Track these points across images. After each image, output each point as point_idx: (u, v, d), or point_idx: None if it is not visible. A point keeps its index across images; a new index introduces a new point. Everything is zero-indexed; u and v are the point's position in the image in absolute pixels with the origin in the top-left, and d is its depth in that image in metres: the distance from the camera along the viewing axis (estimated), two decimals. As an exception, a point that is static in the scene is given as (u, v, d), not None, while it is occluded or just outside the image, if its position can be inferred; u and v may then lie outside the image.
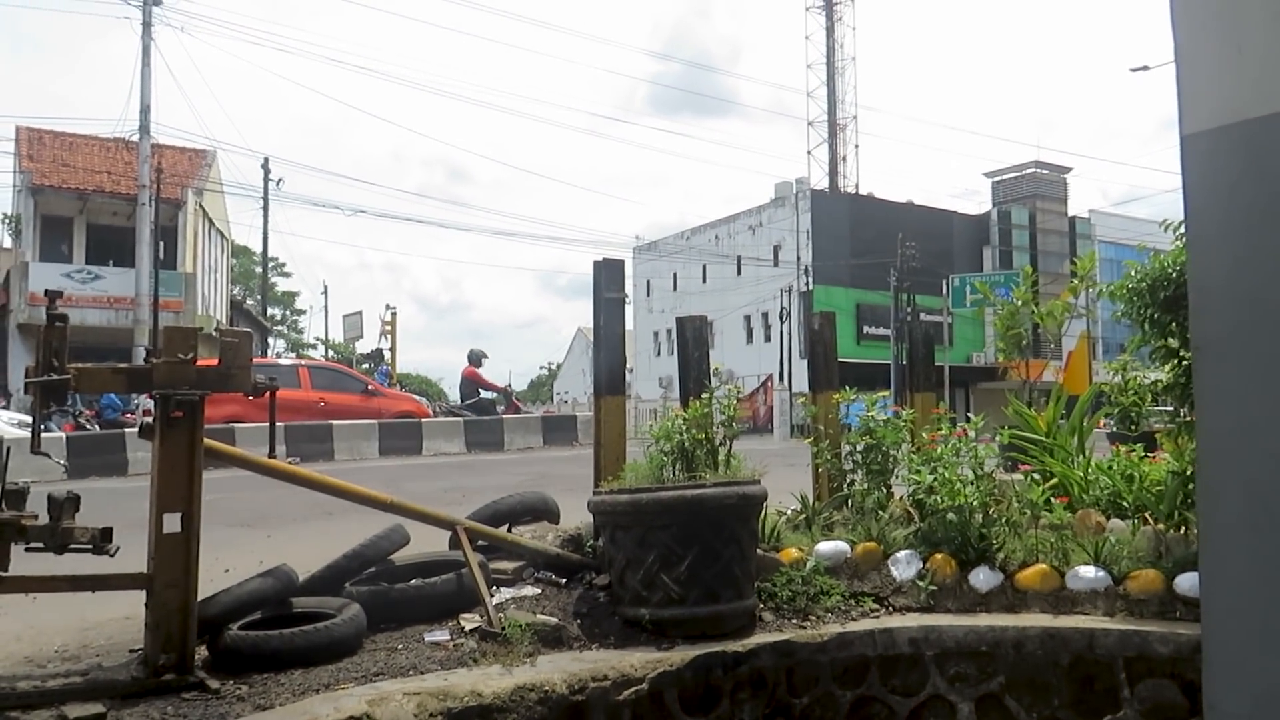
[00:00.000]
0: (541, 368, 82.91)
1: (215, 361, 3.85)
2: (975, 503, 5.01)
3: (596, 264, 5.15)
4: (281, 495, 9.30)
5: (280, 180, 34.85)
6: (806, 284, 44.11)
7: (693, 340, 5.44)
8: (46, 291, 3.70)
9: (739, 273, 47.90)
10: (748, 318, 47.86)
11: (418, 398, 21.63)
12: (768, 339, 46.01)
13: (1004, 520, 5.07)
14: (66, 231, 26.87)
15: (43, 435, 13.25)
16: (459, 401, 20.52)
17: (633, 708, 3.98)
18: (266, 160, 34.84)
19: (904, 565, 5.01)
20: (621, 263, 5.27)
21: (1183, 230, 4.47)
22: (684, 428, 4.78)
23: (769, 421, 35.69)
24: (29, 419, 17.07)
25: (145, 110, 23.55)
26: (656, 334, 54.92)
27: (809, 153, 50.65)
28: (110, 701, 3.50)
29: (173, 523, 3.73)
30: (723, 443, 4.88)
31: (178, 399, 3.69)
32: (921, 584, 4.90)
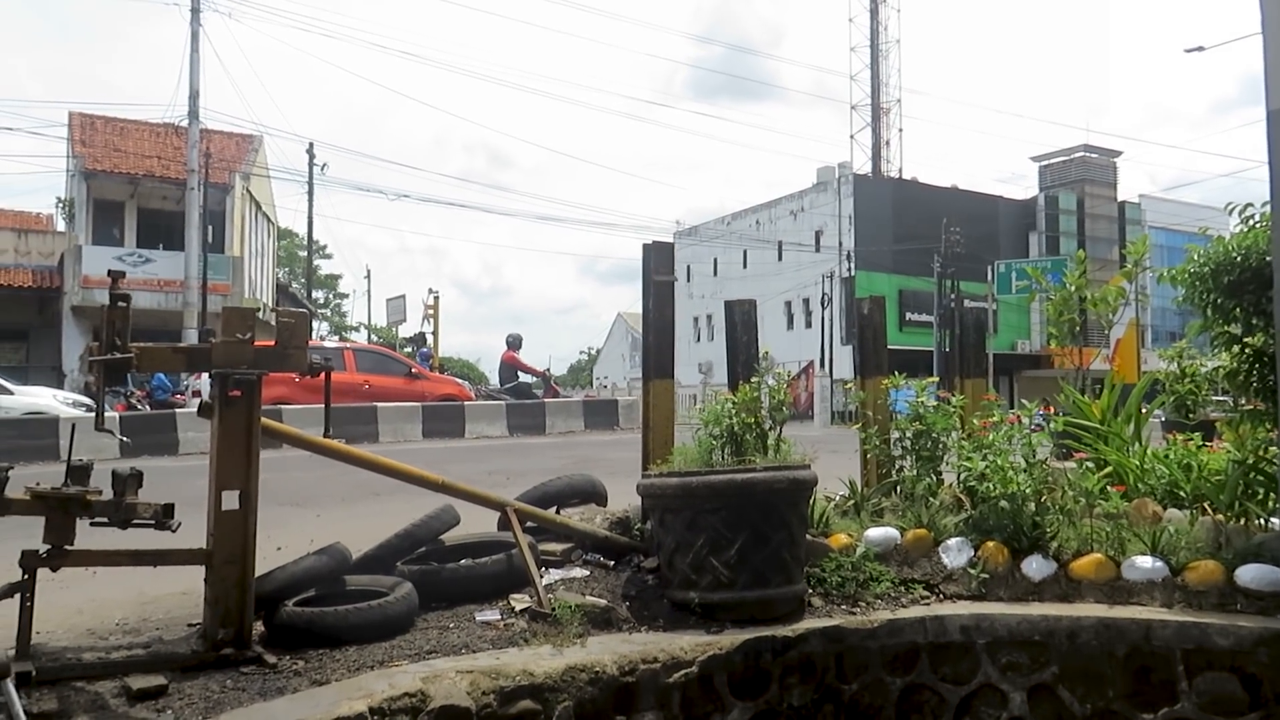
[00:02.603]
0: (581, 353, 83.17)
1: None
2: (1028, 490, 4.94)
3: (646, 247, 5.13)
4: (329, 475, 9.43)
5: (325, 165, 35.23)
6: (848, 269, 43.76)
7: (741, 324, 5.41)
8: (110, 272, 3.77)
9: (780, 258, 47.58)
10: (788, 303, 47.55)
11: (460, 381, 21.78)
12: (808, 325, 45.72)
13: (1058, 508, 4.99)
14: (118, 215, 27.34)
15: (93, 415, 13.45)
16: (498, 385, 20.65)
17: (682, 690, 3.99)
18: (311, 145, 35.19)
19: (955, 553, 4.96)
20: (671, 246, 5.24)
21: (1250, 213, 4.36)
22: (733, 412, 4.76)
23: (809, 408, 35.49)
24: (83, 399, 17.50)
25: (194, 96, 23.85)
26: (696, 319, 54.78)
27: (852, 137, 50.21)
28: (171, 673, 3.57)
29: (231, 500, 3.79)
30: (772, 427, 4.86)
31: (236, 378, 3.74)
32: (973, 572, 4.84)
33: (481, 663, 3.74)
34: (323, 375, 4.08)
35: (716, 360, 50.48)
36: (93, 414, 14.37)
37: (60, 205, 28.43)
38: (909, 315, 43.74)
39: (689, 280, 55.75)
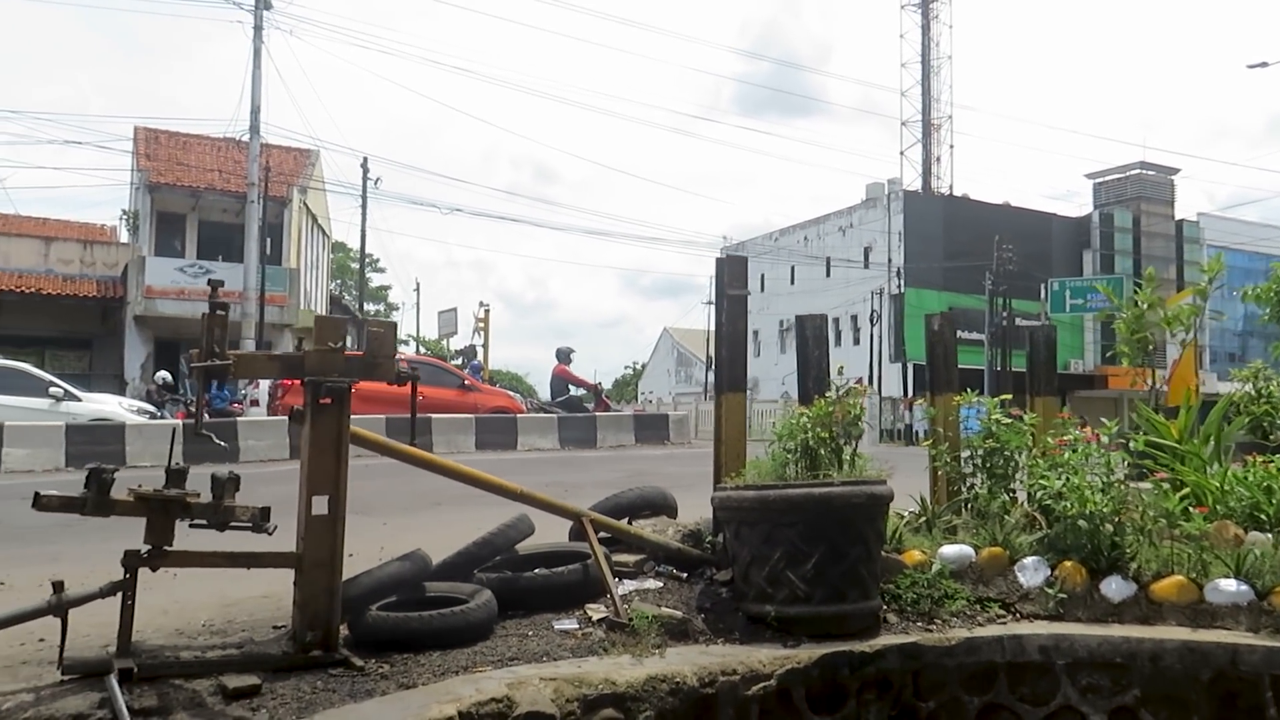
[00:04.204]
0: (626, 367, 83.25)
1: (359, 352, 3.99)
2: (1106, 510, 4.87)
3: (719, 260, 5.17)
4: (390, 485, 9.57)
5: (378, 179, 35.75)
6: (898, 286, 43.42)
7: (813, 339, 5.42)
8: (209, 281, 3.89)
9: (828, 274, 47.33)
10: (836, 320, 47.21)
11: (512, 393, 21.95)
12: (856, 342, 45.38)
13: (1137, 529, 4.92)
14: (179, 227, 27.99)
15: (158, 423, 13.81)
16: (549, 398, 20.78)
17: (760, 703, 3.99)
18: (365, 160, 35.74)
19: (1031, 572, 4.91)
20: (744, 259, 5.28)
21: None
22: (808, 426, 4.77)
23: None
24: (147, 406, 17.84)
25: (255, 111, 24.39)
26: (742, 335, 54.58)
27: (902, 153, 49.88)
28: (264, 673, 3.65)
29: (320, 505, 3.88)
30: (847, 442, 4.85)
31: (327, 386, 3.83)
32: (1050, 591, 4.79)
33: (564, 670, 3.78)
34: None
35: (762, 377, 50.45)
36: (156, 421, 14.64)
37: (125, 217, 29.20)
38: (959, 333, 43.17)
39: (735, 296, 55.59)
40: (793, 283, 50.56)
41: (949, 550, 4.98)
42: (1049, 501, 5.11)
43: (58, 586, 3.51)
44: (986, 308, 39.31)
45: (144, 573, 3.75)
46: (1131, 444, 5.22)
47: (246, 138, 24.78)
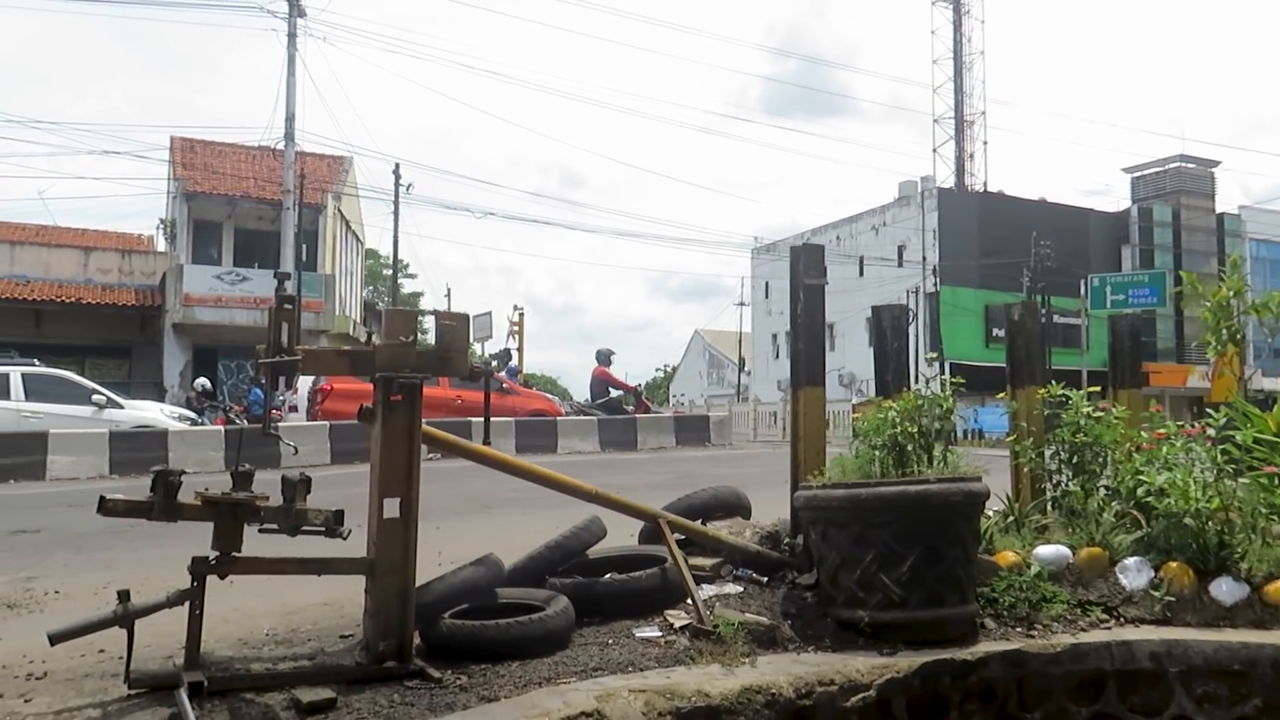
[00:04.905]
0: (656, 370, 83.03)
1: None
2: (1213, 506, 4.59)
3: (794, 249, 4.93)
4: (438, 489, 9.38)
5: (410, 185, 35.79)
6: (933, 285, 42.88)
7: (891, 330, 5.17)
8: (275, 274, 3.70)
9: (861, 273, 46.81)
10: (869, 320, 46.77)
11: (550, 396, 21.79)
12: (892, 341, 44.86)
13: (1247, 527, 4.63)
14: (216, 235, 28.13)
15: (199, 429, 13.71)
16: (588, 400, 20.58)
17: (859, 714, 3.75)
18: (397, 167, 35.77)
19: (1134, 573, 4.63)
20: (821, 248, 5.03)
21: None
22: (896, 420, 4.51)
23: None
24: (188, 413, 17.83)
25: (290, 119, 24.44)
26: (775, 336, 54.24)
27: (935, 150, 49.30)
28: (337, 686, 3.46)
29: (392, 508, 3.68)
30: (937, 437, 4.59)
31: (400, 382, 3.64)
32: (1156, 594, 4.50)
33: (653, 682, 3.56)
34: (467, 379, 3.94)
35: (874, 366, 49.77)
36: (198, 427, 14.57)
37: (162, 226, 29.37)
38: (995, 331, 42.59)
39: (767, 297, 55.27)
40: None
41: (1045, 551, 4.71)
42: (1149, 499, 4.82)
43: (123, 596, 3.34)
44: (1024, 305, 38.67)
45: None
46: (1239, 437, 4.90)
47: (281, 145, 24.83)
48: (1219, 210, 49.22)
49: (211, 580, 3.83)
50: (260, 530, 3.50)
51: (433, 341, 3.84)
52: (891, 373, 5.11)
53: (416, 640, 3.88)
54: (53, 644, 3.35)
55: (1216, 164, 50.13)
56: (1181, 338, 45.45)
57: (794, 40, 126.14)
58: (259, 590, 4.95)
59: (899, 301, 42.71)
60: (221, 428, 16.25)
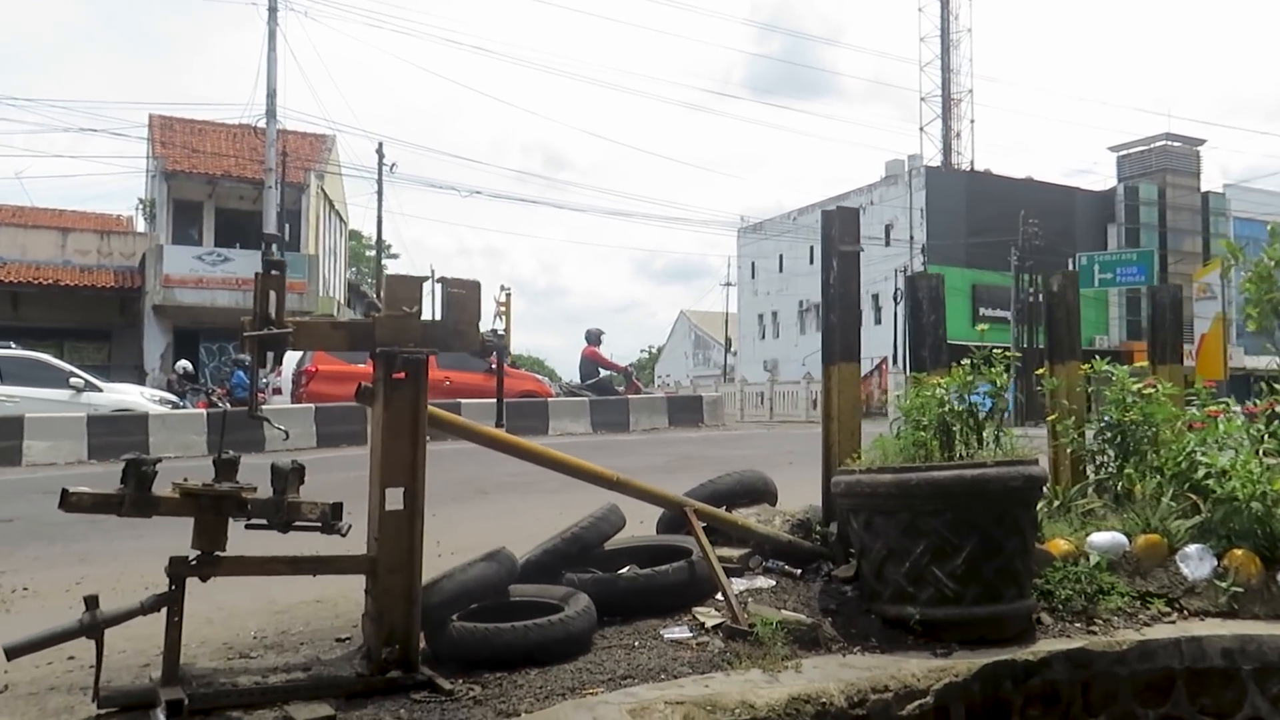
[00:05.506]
0: (641, 351, 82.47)
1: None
2: (1281, 490, 4.25)
3: (827, 213, 4.53)
4: (429, 473, 9.01)
5: (394, 165, 35.08)
6: (921, 264, 42.60)
7: (928, 303, 4.79)
8: (263, 235, 3.28)
9: (849, 253, 46.46)
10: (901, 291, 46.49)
11: (540, 377, 21.37)
12: (878, 321, 44.53)
13: (1318, 511, 4.29)
14: (196, 215, 27.42)
15: (181, 413, 13.13)
16: (579, 381, 20.18)
17: (916, 724, 3.38)
18: (380, 146, 35.06)
19: (1196, 562, 4.29)
20: (856, 212, 4.63)
21: None
22: (944, 398, 4.13)
23: (883, 405, 34.51)
24: (170, 396, 17.30)
25: (272, 95, 23.75)
26: (761, 316, 53.95)
27: (922, 129, 48.96)
28: (336, 700, 3.07)
29: (395, 498, 3.28)
30: (990, 417, 4.22)
31: (403, 357, 3.22)
32: (1221, 584, 4.17)
33: (690, 691, 3.18)
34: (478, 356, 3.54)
35: (782, 359, 49.71)
36: (179, 411, 14.03)
37: (141, 206, 28.66)
38: (982, 310, 42.41)
39: (753, 277, 54.92)
40: (811, 262, 49.63)
41: (1101, 539, 4.35)
42: (1208, 481, 4.47)
43: (90, 603, 2.92)
44: (1013, 284, 38.56)
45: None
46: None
47: (262, 123, 24.16)
48: (1204, 189, 49.17)
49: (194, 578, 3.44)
50: (247, 526, 3.09)
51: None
52: (928, 348, 4.73)
53: (422, 645, 3.49)
54: (9, 658, 2.94)
55: (1202, 142, 50.08)
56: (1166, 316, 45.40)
57: (780, 16, 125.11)
58: (245, 586, 4.50)
59: (885, 281, 42.57)
60: (204, 411, 15.75)
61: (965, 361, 4.26)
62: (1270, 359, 6.76)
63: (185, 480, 3.04)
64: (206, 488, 2.99)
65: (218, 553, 3.03)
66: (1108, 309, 45.54)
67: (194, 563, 3.00)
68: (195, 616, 4.15)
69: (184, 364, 20.78)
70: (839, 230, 4.44)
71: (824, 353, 4.55)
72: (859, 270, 4.48)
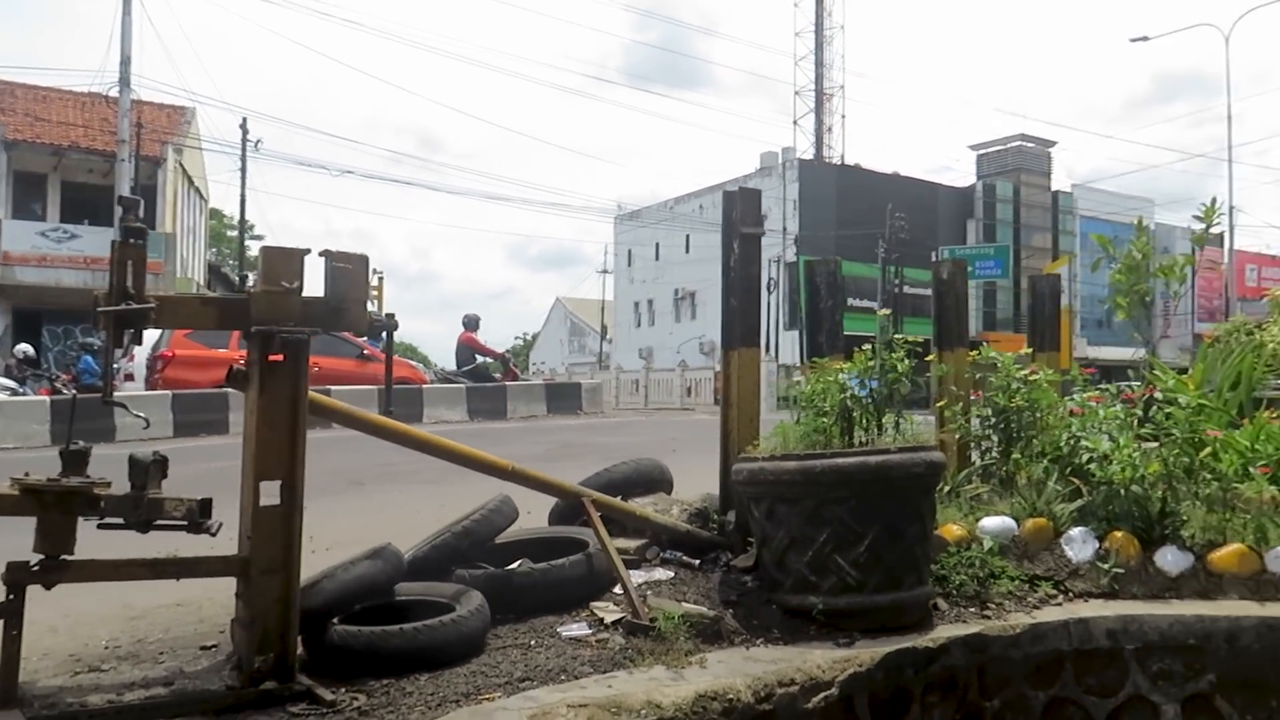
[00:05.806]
0: (516, 338, 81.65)
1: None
2: (1160, 472, 4.39)
3: (729, 194, 4.43)
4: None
5: (259, 141, 33.50)
6: (793, 254, 43.51)
7: (825, 287, 4.75)
8: (120, 198, 2.92)
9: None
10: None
11: (414, 363, 20.76)
12: (753, 309, 45.38)
13: (1193, 494, 4.45)
14: (40, 189, 25.47)
15: (21, 400, 12.10)
16: (455, 368, 19.70)
17: (822, 715, 3.31)
18: (245, 120, 33.36)
19: (1079, 544, 4.38)
20: (758, 193, 4.54)
21: None
22: (845, 385, 4.08)
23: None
24: (8, 383, 15.97)
25: (125, 62, 22.14)
26: (637, 304, 54.16)
27: (795, 122, 50.05)
28: (203, 718, 2.77)
29: (271, 493, 2.99)
30: (889, 403, 4.19)
31: (281, 338, 2.94)
32: (1103, 566, 4.27)
33: (593, 692, 3.02)
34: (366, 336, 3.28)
35: (657, 346, 49.98)
36: (19, 398, 12.95)
37: (-25, 177, 26.41)
38: (851, 301, 43.69)
39: (630, 265, 55.03)
40: (688, 251, 50.18)
41: (992, 523, 4.40)
42: (1090, 465, 4.59)
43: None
44: (880, 275, 39.84)
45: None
46: (1182, 399, 4.71)
47: (114, 92, 22.56)
48: (1054, 188, 51.94)
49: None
50: (100, 526, 2.76)
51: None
52: (826, 333, 4.69)
53: (300, 652, 3.21)
54: None
55: (1053, 144, 52.92)
56: (1019, 308, 47.72)
57: (658, 4, 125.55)
58: (95, 589, 4.08)
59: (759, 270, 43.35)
60: (47, 398, 14.62)
61: (866, 347, 4.22)
62: (1112, 349, 7.07)
63: (26, 475, 2.68)
64: (52, 483, 2.64)
65: (65, 556, 2.69)
66: (972, 300, 47.65)
67: (36, 568, 2.65)
68: (37, 624, 3.74)
69: (24, 347, 19.28)
70: (740, 212, 4.34)
71: (724, 337, 4.45)
72: (760, 253, 4.39)
